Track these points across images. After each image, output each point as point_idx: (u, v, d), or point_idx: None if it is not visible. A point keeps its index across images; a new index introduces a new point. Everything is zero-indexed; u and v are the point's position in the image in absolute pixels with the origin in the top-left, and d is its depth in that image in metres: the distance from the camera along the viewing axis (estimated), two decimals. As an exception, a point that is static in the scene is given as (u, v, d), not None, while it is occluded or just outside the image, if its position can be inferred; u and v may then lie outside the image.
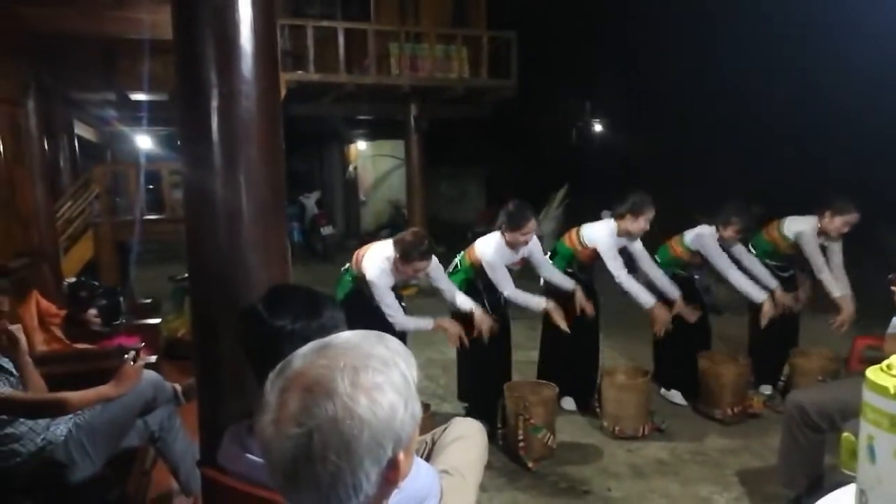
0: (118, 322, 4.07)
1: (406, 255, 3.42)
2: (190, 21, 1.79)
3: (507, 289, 3.92)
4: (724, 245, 4.31)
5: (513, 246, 3.94)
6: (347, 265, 3.84)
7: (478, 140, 14.67)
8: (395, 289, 3.62)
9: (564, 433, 4.00)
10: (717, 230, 4.31)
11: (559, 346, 4.23)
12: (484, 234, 4.15)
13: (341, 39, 9.25)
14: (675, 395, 4.49)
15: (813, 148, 10.51)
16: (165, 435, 2.88)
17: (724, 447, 3.79)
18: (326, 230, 12.79)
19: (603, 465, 3.62)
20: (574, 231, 4.35)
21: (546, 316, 4.13)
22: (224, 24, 1.76)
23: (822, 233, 4.29)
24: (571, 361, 4.30)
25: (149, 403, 2.78)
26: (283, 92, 8.79)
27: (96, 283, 4.22)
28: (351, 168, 15.99)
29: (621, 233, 4.14)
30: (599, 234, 4.17)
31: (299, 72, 9.16)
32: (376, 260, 3.53)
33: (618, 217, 4.13)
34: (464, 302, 3.81)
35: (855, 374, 4.51)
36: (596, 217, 4.55)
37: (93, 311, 3.89)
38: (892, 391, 1.08)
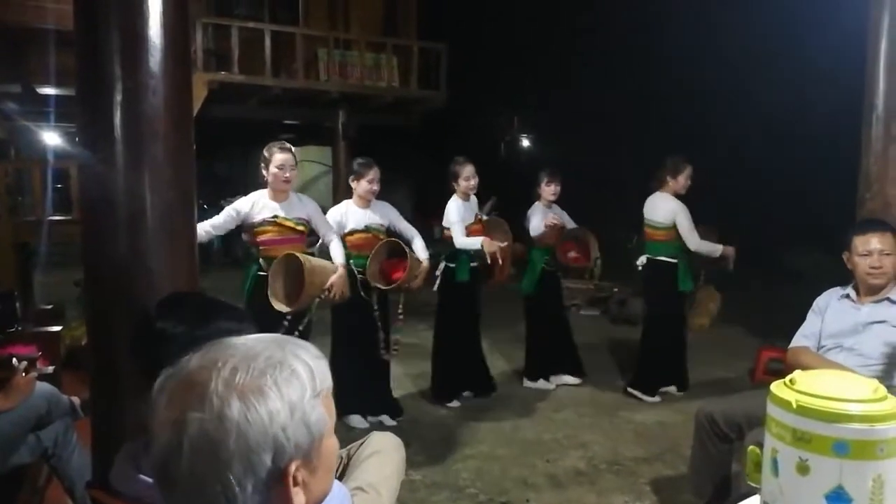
0: (13, 329, 3.79)
1: (264, 162, 3.65)
2: (93, 8, 1.68)
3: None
4: None
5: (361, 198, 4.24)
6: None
7: (406, 150, 14.65)
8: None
9: (485, 443, 4.00)
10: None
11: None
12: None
13: (268, 41, 9.07)
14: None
15: (732, 166, 11.00)
16: (61, 451, 2.69)
17: (638, 456, 3.88)
18: (247, 236, 12.43)
19: (522, 476, 3.63)
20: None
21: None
22: (131, 13, 1.66)
23: (679, 196, 4.60)
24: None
25: (42, 417, 2.58)
26: (205, 92, 8.51)
27: (-11, 288, 3.92)
28: (276, 173, 15.63)
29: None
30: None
31: (223, 73, 8.91)
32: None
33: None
34: (337, 254, 3.84)
35: (760, 385, 4.72)
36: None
37: (-16, 318, 3.61)
38: (794, 406, 1.11)
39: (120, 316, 1.72)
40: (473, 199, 4.71)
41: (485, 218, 5.00)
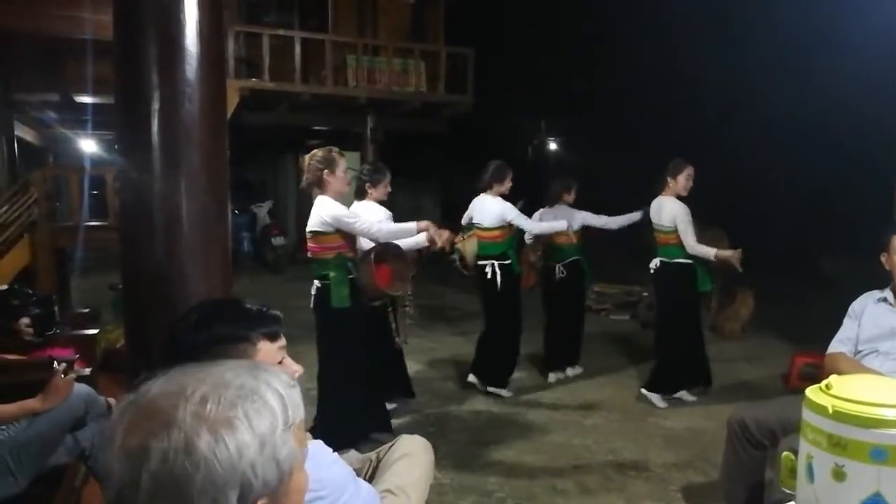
0: (52, 332, 3.88)
1: (329, 164, 3.72)
2: (132, 19, 1.73)
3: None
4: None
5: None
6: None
7: (434, 154, 14.72)
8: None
9: (513, 448, 3.99)
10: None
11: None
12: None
13: (298, 49, 9.19)
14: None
15: (767, 170, 10.83)
16: (98, 452, 2.74)
17: (668, 462, 3.83)
18: (278, 241, 12.57)
19: (550, 483, 3.61)
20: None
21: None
22: (168, 24, 1.71)
23: (681, 198, 4.56)
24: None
25: (80, 418, 2.64)
26: (237, 99, 8.65)
27: (30, 291, 4.02)
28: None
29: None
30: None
31: (254, 80, 9.04)
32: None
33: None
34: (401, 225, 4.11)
35: (795, 390, 4.63)
36: None
37: (25, 321, 3.68)
38: (830, 411, 1.09)
39: (156, 319, 1.76)
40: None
41: None
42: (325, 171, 3.73)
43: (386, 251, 4.06)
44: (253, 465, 0.72)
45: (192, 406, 0.71)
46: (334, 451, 1.53)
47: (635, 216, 5.22)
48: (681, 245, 4.57)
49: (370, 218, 4.01)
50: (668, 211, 4.58)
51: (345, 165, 3.80)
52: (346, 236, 3.80)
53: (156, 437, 0.70)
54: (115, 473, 0.72)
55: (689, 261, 4.59)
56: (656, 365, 4.87)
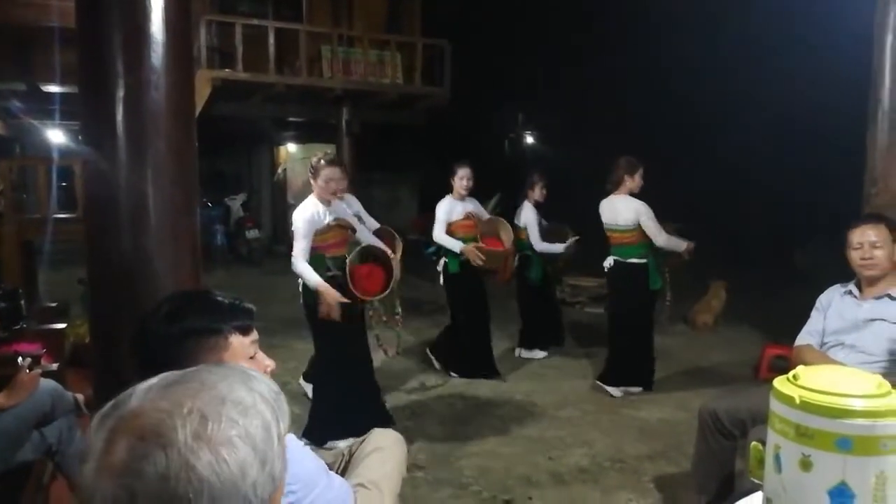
0: (18, 327, 3.80)
1: (314, 172, 3.80)
2: (95, 5, 1.68)
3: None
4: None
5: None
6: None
7: (411, 146, 14.64)
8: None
9: (488, 441, 4.00)
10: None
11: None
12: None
13: (272, 39, 9.06)
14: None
15: (739, 162, 10.95)
16: (65, 448, 2.70)
17: (642, 454, 3.87)
18: (252, 233, 12.43)
19: (525, 474, 3.62)
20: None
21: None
22: (133, 10, 1.67)
23: (635, 195, 4.63)
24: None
25: (46, 414, 2.59)
26: (209, 90, 8.51)
27: (-6, 285, 3.94)
28: (280, 170, 15.65)
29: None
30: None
31: (227, 70, 8.91)
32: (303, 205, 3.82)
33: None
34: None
35: (765, 381, 4.71)
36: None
37: (-11, 315, 3.62)
38: (797, 401, 1.10)
39: (123, 313, 1.73)
40: (470, 198, 5.13)
41: (487, 217, 5.26)
42: (311, 176, 3.89)
43: (367, 254, 4.04)
44: (254, 483, 0.70)
45: (192, 425, 0.68)
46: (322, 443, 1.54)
47: (558, 248, 5.45)
48: (636, 244, 4.64)
49: (297, 223, 3.79)
50: (628, 210, 4.61)
51: (327, 175, 3.80)
52: (318, 237, 3.83)
53: (150, 457, 0.66)
54: (100, 492, 0.67)
55: (643, 260, 4.67)
56: (608, 359, 4.95)
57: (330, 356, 3.96)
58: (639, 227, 4.59)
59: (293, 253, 3.78)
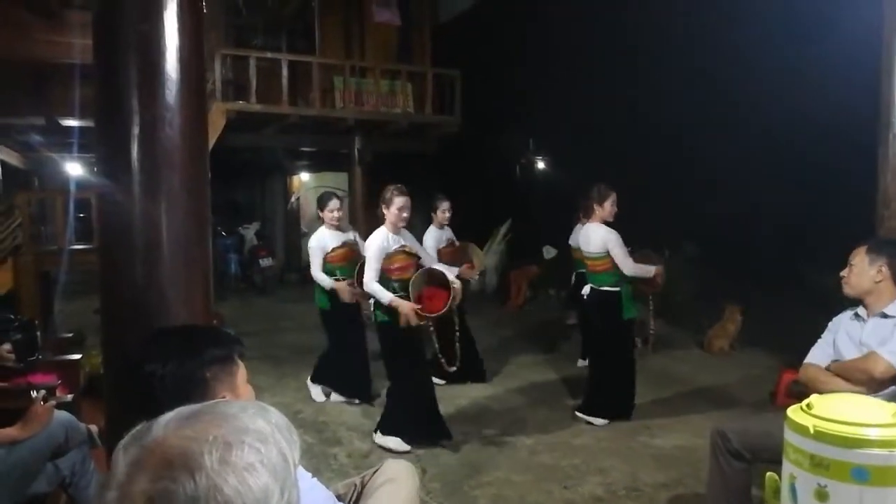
0: (34, 358, 3.83)
1: (387, 202, 4.19)
2: (113, 44, 1.73)
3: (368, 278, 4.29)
4: None
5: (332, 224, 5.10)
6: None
7: (422, 175, 14.72)
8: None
9: (501, 469, 3.96)
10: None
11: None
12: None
13: (285, 71, 9.21)
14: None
15: (753, 185, 10.89)
16: (78, 479, 2.71)
17: (658, 482, 3.81)
18: (265, 262, 12.51)
19: (539, 502, 3.58)
20: None
21: None
22: (149, 49, 1.71)
23: (607, 223, 4.63)
24: None
25: (60, 446, 2.61)
26: (223, 121, 8.65)
27: (12, 317, 3.97)
28: (293, 199, 15.79)
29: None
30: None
31: (241, 102, 9.05)
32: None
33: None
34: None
35: (782, 407, 4.63)
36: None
37: (6, 347, 3.64)
38: (811, 431, 1.09)
39: (135, 344, 1.74)
40: (447, 228, 5.71)
41: (457, 243, 5.77)
42: (383, 206, 4.27)
43: (431, 276, 4.30)
44: None
45: (218, 452, 0.70)
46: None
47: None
48: (608, 272, 4.62)
49: (370, 249, 4.22)
50: (598, 238, 4.60)
51: (399, 203, 4.21)
52: (385, 261, 4.24)
53: (178, 482, 0.68)
54: None
55: (616, 289, 4.63)
56: (588, 389, 4.88)
57: (403, 371, 4.30)
58: (609, 255, 4.56)
59: (364, 279, 4.22)
